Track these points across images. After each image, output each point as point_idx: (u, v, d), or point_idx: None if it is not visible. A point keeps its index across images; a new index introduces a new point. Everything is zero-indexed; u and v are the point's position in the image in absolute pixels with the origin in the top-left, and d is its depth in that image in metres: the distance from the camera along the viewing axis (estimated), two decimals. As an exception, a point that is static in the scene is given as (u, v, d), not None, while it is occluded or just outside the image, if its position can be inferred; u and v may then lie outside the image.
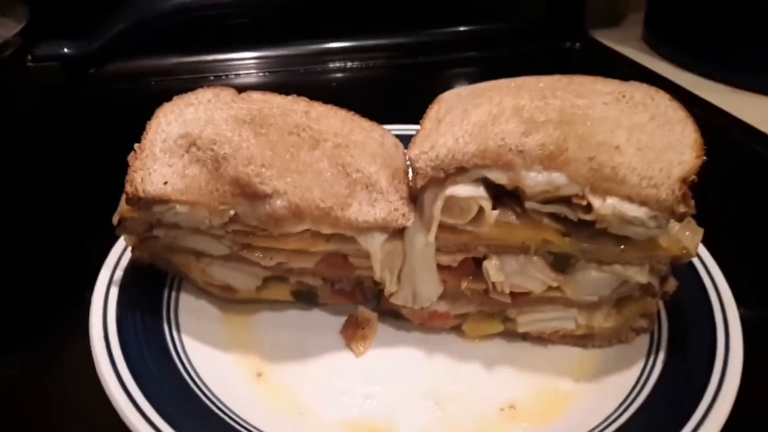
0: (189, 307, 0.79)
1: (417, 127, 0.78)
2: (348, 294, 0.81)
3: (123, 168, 0.73)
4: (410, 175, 0.76)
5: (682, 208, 0.65)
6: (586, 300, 0.75)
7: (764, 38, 1.39)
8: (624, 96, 0.75)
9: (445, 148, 0.69)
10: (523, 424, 0.69)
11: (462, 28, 1.65)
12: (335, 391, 0.72)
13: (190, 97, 0.79)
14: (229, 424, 0.65)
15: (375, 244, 0.72)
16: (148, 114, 0.78)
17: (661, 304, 0.78)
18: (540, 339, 0.79)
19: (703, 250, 0.82)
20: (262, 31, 1.48)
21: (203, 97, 0.79)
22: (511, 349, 0.78)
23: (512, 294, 0.75)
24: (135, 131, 0.76)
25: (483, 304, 0.77)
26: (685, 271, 0.78)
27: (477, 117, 0.72)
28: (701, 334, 0.73)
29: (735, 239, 0.99)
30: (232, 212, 0.70)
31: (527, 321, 0.77)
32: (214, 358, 0.74)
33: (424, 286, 0.75)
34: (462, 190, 0.68)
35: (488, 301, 0.76)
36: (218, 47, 1.47)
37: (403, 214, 0.71)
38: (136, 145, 0.73)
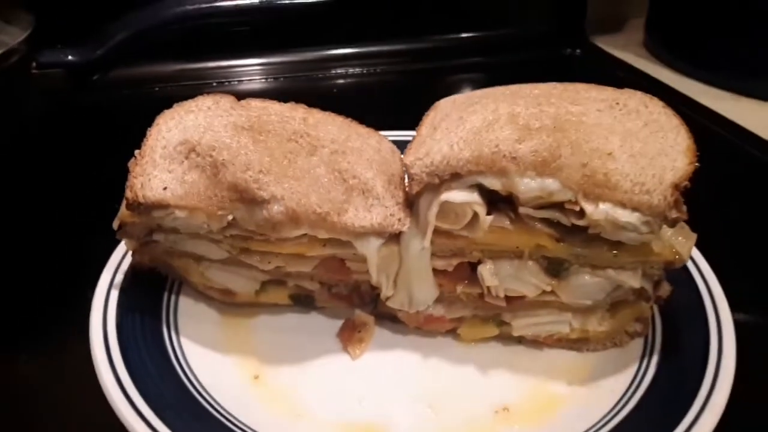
0: (188, 310, 0.81)
1: (414, 133, 0.79)
2: (345, 298, 0.82)
3: (125, 173, 0.74)
4: (406, 180, 0.77)
5: (674, 214, 0.66)
6: (580, 304, 0.75)
7: (765, 44, 1.39)
8: (618, 103, 0.76)
9: (440, 154, 0.70)
10: (515, 426, 0.70)
11: (463, 35, 1.65)
12: (331, 393, 0.73)
13: (190, 104, 0.80)
14: (225, 426, 0.66)
15: (371, 248, 0.73)
16: (150, 120, 0.79)
17: (656, 308, 0.79)
18: (535, 343, 0.80)
19: (698, 255, 0.83)
20: (264, 38, 1.49)
21: (203, 104, 0.80)
22: (506, 353, 0.79)
23: (507, 298, 0.76)
24: (137, 137, 0.78)
25: (478, 308, 0.78)
26: (680, 275, 0.79)
27: (472, 124, 0.73)
28: (695, 339, 0.73)
29: (732, 244, 1.00)
30: (230, 217, 0.71)
31: (522, 325, 0.78)
32: (212, 361, 0.75)
33: (419, 290, 0.76)
34: (457, 195, 0.69)
35: (483, 305, 0.77)
36: (221, 54, 1.48)
37: (399, 219, 0.73)
38: (136, 152, 0.75)
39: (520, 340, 0.80)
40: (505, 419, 0.71)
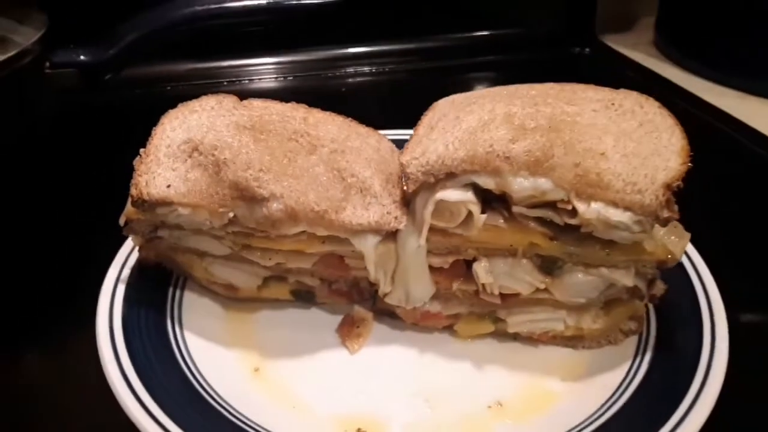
0: (192, 305, 0.83)
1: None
2: (345, 294, 0.84)
3: (133, 171, 0.76)
4: (403, 179, 0.78)
5: (665, 213, 0.67)
6: (574, 302, 0.77)
7: (776, 43, 1.39)
8: (614, 103, 0.77)
9: (435, 154, 0.71)
10: (508, 420, 0.71)
11: (471, 34, 1.66)
12: (328, 386, 0.75)
13: (194, 104, 0.82)
14: (224, 416, 0.68)
15: (368, 245, 0.74)
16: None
17: (651, 306, 0.80)
18: (531, 339, 0.81)
19: (695, 254, 0.84)
20: (273, 38, 1.52)
21: (207, 104, 0.82)
22: (501, 349, 0.81)
23: (502, 295, 0.77)
24: (148, 135, 0.80)
25: (474, 304, 0.79)
26: (675, 273, 0.80)
27: (468, 124, 0.74)
28: (688, 337, 0.74)
29: (736, 242, 1.01)
30: (231, 214, 0.73)
31: (517, 322, 0.79)
32: (215, 353, 0.77)
33: (416, 287, 0.78)
34: (451, 194, 0.71)
35: (479, 302, 0.79)
36: (231, 53, 1.51)
37: (396, 218, 0.74)
38: (141, 150, 0.77)
39: (516, 337, 0.81)
40: (498, 414, 0.72)
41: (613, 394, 0.72)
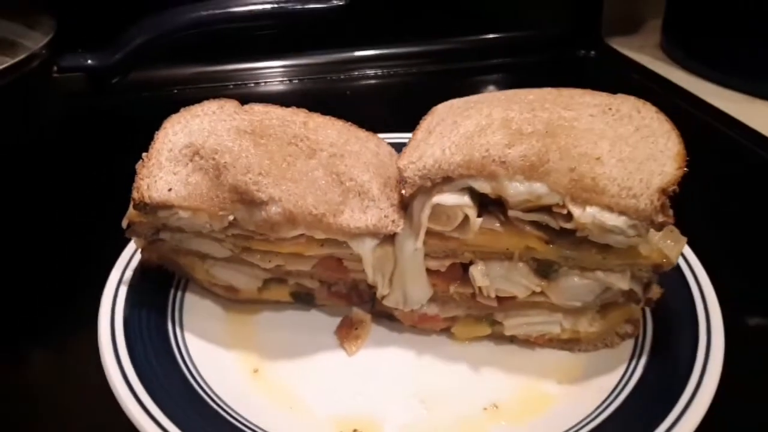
0: (193, 306, 0.84)
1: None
2: (344, 296, 0.85)
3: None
4: (402, 183, 0.79)
5: (660, 218, 0.67)
6: (570, 305, 0.77)
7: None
8: (611, 108, 0.78)
9: (432, 158, 0.72)
10: (503, 422, 0.72)
11: (477, 37, 1.67)
12: (326, 387, 0.76)
13: (196, 108, 0.84)
14: (222, 416, 0.69)
15: (366, 248, 0.75)
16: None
17: (647, 310, 0.80)
18: (527, 342, 0.82)
19: (692, 258, 0.84)
20: (280, 41, 1.53)
21: (209, 108, 0.83)
22: (498, 352, 0.81)
23: (498, 298, 0.78)
24: (153, 138, 0.81)
25: (471, 307, 0.80)
26: (673, 277, 0.80)
27: (465, 128, 0.75)
28: (684, 341, 0.74)
29: (740, 247, 1.01)
30: (231, 217, 0.74)
31: (514, 324, 0.80)
32: (214, 355, 0.78)
33: (414, 290, 0.79)
34: (448, 198, 0.71)
35: (476, 305, 0.79)
36: (237, 57, 1.53)
37: (393, 221, 0.75)
38: (144, 154, 0.78)
39: (513, 340, 0.82)
40: (494, 416, 0.73)
41: (608, 397, 0.72)
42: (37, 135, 1.11)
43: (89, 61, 1.13)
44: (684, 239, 0.75)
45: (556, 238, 0.72)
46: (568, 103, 0.78)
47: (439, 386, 0.77)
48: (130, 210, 0.78)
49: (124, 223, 0.79)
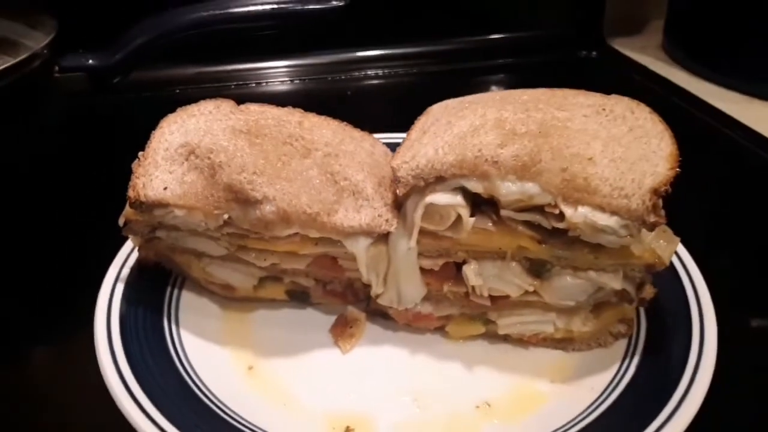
0: (190, 304, 0.85)
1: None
2: (339, 294, 0.85)
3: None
4: (396, 183, 0.79)
5: (652, 218, 0.67)
6: (563, 305, 0.77)
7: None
8: (605, 109, 0.78)
9: (425, 158, 0.72)
10: (495, 420, 0.72)
11: (478, 38, 1.67)
12: (320, 385, 0.77)
13: (192, 108, 0.84)
14: (215, 413, 0.70)
15: (360, 247, 0.76)
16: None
17: (642, 309, 0.80)
18: (521, 341, 0.82)
19: (687, 258, 0.84)
20: (284, 41, 1.54)
21: (205, 108, 0.84)
22: (492, 351, 0.82)
23: (491, 297, 0.78)
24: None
25: (465, 306, 0.81)
26: (668, 277, 0.80)
27: (459, 128, 0.76)
28: (677, 341, 0.75)
29: (739, 249, 1.02)
30: (225, 216, 0.75)
31: (507, 323, 0.80)
32: (210, 352, 0.79)
33: (408, 288, 0.79)
34: (441, 198, 0.72)
35: (469, 304, 0.80)
36: (239, 57, 1.54)
37: (387, 220, 0.76)
38: (140, 153, 0.79)
39: (506, 339, 0.82)
40: (486, 414, 0.73)
41: (600, 396, 0.72)
42: (38, 134, 1.12)
43: (90, 61, 1.14)
44: (677, 239, 0.75)
45: (549, 237, 0.73)
46: (561, 104, 0.78)
47: (433, 384, 0.77)
48: (127, 208, 0.79)
49: (121, 221, 0.80)
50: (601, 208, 0.68)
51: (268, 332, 0.84)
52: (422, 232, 0.74)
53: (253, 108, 0.85)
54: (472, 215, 0.73)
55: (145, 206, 0.75)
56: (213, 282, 0.85)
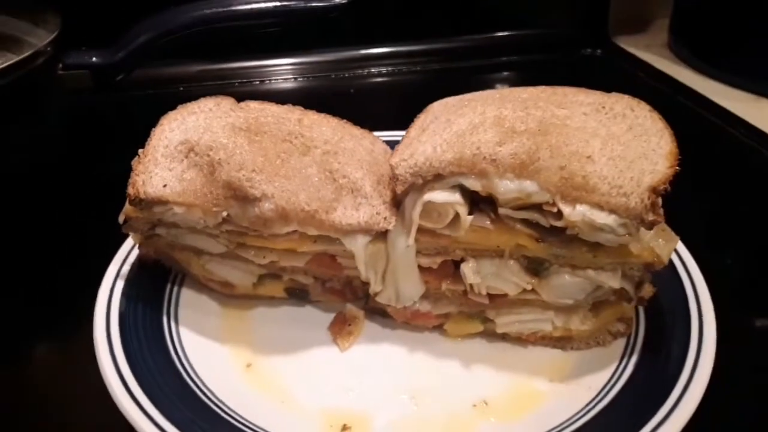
0: (189, 301, 0.85)
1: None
2: (338, 292, 0.85)
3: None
4: (395, 181, 0.79)
5: (650, 217, 0.67)
6: (562, 303, 0.77)
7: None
8: (604, 107, 0.78)
9: (423, 156, 0.72)
10: (491, 418, 0.72)
11: (482, 36, 1.66)
12: (317, 382, 0.77)
13: (193, 106, 0.85)
14: (212, 409, 0.70)
15: (358, 245, 0.76)
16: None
17: (641, 308, 0.80)
18: (519, 340, 0.82)
19: (688, 257, 0.83)
20: (288, 39, 1.53)
21: (205, 106, 0.84)
22: (490, 349, 0.82)
23: (490, 296, 0.78)
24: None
25: (463, 304, 0.80)
26: (667, 276, 0.80)
27: (458, 126, 0.76)
28: (675, 340, 0.74)
29: (743, 248, 1.01)
30: (224, 214, 0.75)
31: (506, 322, 0.80)
32: (208, 349, 0.79)
33: (406, 286, 0.79)
34: (439, 195, 0.72)
35: (467, 302, 0.80)
36: (243, 55, 1.54)
37: (385, 218, 0.76)
38: (140, 151, 0.79)
39: (505, 337, 0.82)
40: (483, 412, 0.73)
41: (598, 395, 0.72)
42: (41, 132, 1.12)
43: (94, 59, 1.15)
44: (677, 238, 0.75)
45: (547, 236, 0.72)
46: (561, 102, 0.78)
47: (430, 382, 0.77)
48: (127, 205, 0.79)
49: (121, 219, 0.80)
50: (600, 207, 0.68)
51: (266, 330, 0.84)
52: (420, 230, 0.74)
53: (253, 105, 0.86)
54: (470, 213, 0.73)
55: (144, 203, 0.75)
56: (212, 279, 0.85)
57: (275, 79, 1.56)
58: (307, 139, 0.81)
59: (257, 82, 1.54)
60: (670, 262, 0.78)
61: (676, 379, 0.69)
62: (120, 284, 0.81)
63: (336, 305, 0.86)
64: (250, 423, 0.70)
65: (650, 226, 0.69)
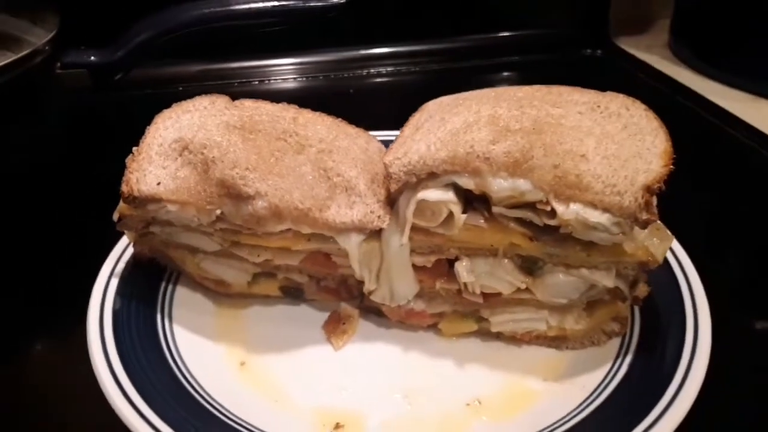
0: (184, 300, 0.85)
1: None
2: (333, 291, 0.85)
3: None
4: (390, 179, 0.79)
5: (644, 215, 0.67)
6: (556, 302, 0.77)
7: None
8: (599, 106, 0.77)
9: (417, 154, 0.72)
10: (484, 417, 0.72)
11: (482, 36, 1.66)
12: (311, 381, 0.77)
13: (188, 104, 0.85)
14: (205, 408, 0.70)
15: (352, 244, 0.76)
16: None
17: (636, 308, 0.80)
18: (514, 339, 0.82)
19: (684, 257, 0.83)
20: (288, 39, 1.54)
21: (200, 104, 0.84)
22: (485, 348, 0.81)
23: (484, 295, 0.78)
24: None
25: (457, 303, 0.80)
26: (664, 275, 0.80)
27: (452, 125, 0.75)
28: (670, 340, 0.74)
29: (742, 248, 1.01)
30: (218, 212, 0.75)
31: (500, 321, 0.80)
32: (202, 347, 0.79)
33: (400, 285, 0.79)
34: (432, 194, 0.72)
35: (462, 301, 0.79)
36: (242, 55, 1.54)
37: (379, 217, 0.75)
38: (134, 149, 0.79)
39: (499, 337, 0.82)
40: (477, 411, 0.73)
41: (591, 394, 0.72)
42: (39, 131, 1.12)
43: (92, 58, 1.15)
44: (672, 237, 0.75)
45: (541, 234, 0.72)
46: (556, 101, 0.78)
47: (424, 381, 0.77)
48: (121, 203, 0.79)
49: (115, 217, 0.80)
50: (593, 205, 0.67)
51: (261, 328, 0.84)
52: (414, 228, 0.74)
53: (248, 104, 0.86)
54: (464, 212, 0.73)
55: (138, 201, 0.75)
56: (207, 278, 0.85)
57: (275, 79, 1.56)
58: (302, 138, 0.81)
59: (256, 82, 1.54)
60: (666, 261, 0.78)
61: (671, 377, 0.69)
62: (114, 282, 0.81)
63: (331, 304, 0.86)
64: (243, 421, 0.70)
65: (644, 224, 0.68)
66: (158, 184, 0.75)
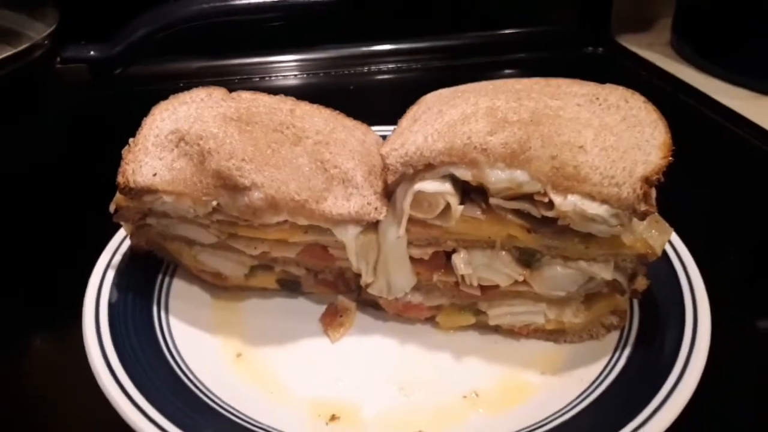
0: (181, 292, 0.85)
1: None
2: (330, 284, 0.85)
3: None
4: (387, 171, 0.79)
5: (642, 207, 0.66)
6: (553, 295, 0.77)
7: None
8: (598, 98, 0.77)
9: (414, 145, 0.72)
10: (480, 410, 0.71)
11: (484, 33, 1.66)
12: (307, 373, 0.76)
13: (185, 96, 0.85)
14: (201, 399, 0.70)
15: (349, 236, 0.76)
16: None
17: (636, 301, 0.79)
18: (512, 333, 0.81)
19: (683, 250, 0.83)
20: (288, 35, 1.54)
21: (197, 96, 0.84)
22: (483, 341, 0.81)
23: (481, 287, 0.77)
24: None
25: (455, 296, 0.80)
26: (663, 269, 0.79)
27: (450, 117, 0.75)
28: (669, 334, 0.73)
29: (743, 244, 1.01)
30: (214, 203, 0.74)
31: (498, 314, 0.80)
32: (199, 339, 0.79)
33: (397, 277, 0.79)
34: (429, 185, 0.71)
35: (459, 294, 0.79)
36: (243, 51, 1.54)
37: (376, 208, 0.75)
38: (130, 140, 0.79)
39: (497, 330, 0.81)
40: (473, 404, 0.73)
41: (589, 387, 0.71)
42: (38, 124, 1.13)
43: (92, 53, 1.16)
44: (671, 230, 0.74)
45: (538, 226, 0.72)
46: (555, 93, 0.78)
47: (420, 374, 0.77)
48: (117, 195, 0.79)
49: (112, 208, 0.80)
50: (591, 197, 0.67)
51: (258, 320, 0.84)
52: (411, 220, 0.74)
53: (245, 96, 0.85)
54: (461, 203, 0.72)
55: (134, 192, 0.75)
56: (204, 270, 0.85)
57: (276, 76, 1.56)
58: (299, 130, 0.81)
59: (257, 79, 1.54)
60: (665, 254, 0.78)
61: (670, 370, 0.68)
62: (111, 275, 0.81)
63: (328, 297, 0.86)
64: (239, 412, 0.70)
65: (642, 216, 0.68)
66: (154, 175, 0.75)
